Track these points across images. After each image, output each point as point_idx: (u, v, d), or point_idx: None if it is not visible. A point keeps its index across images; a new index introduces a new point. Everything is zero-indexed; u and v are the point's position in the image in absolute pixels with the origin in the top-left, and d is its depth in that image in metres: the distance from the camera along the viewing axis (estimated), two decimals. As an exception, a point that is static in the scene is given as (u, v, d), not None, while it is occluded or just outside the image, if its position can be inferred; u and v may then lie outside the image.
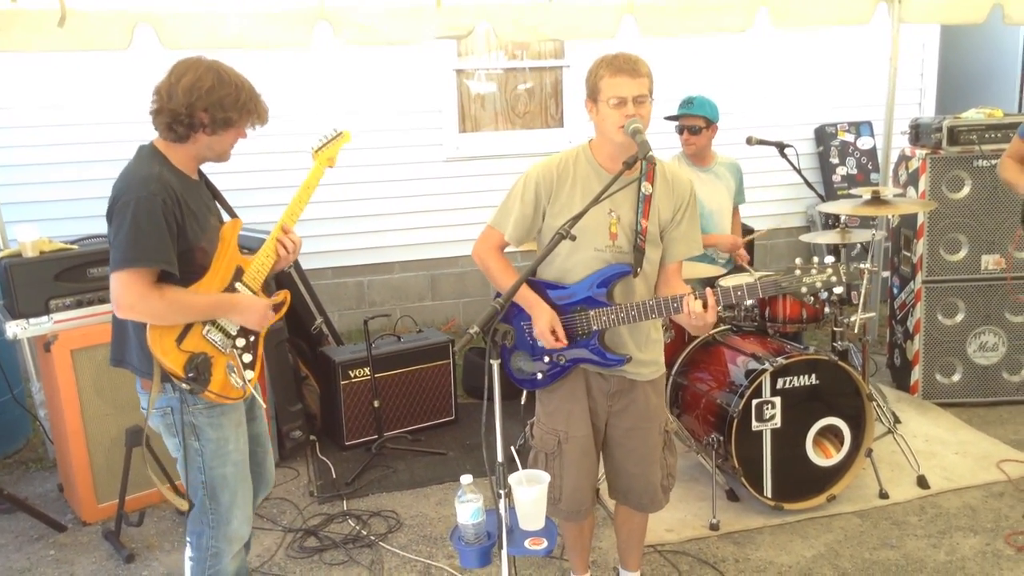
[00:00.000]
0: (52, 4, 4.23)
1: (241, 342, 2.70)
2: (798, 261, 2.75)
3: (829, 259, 2.71)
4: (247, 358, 2.72)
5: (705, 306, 2.66)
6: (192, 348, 2.56)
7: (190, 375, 2.53)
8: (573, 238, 2.44)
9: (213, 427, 2.67)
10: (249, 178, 5.67)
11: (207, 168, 2.77)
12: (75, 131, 5.82)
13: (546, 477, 2.43)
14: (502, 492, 2.32)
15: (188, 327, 2.57)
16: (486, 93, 6.85)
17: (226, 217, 2.81)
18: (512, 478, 2.36)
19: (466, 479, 2.32)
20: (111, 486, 3.95)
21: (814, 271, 2.67)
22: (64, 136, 5.80)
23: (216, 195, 2.80)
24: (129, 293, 2.44)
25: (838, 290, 2.67)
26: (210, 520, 2.76)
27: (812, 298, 2.76)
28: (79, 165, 5.78)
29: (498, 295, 2.88)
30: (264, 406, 3.00)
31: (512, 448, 2.34)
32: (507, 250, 2.95)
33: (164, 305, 2.48)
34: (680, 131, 4.68)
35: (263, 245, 2.77)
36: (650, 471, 3.00)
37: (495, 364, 2.25)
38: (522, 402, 4.24)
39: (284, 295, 2.85)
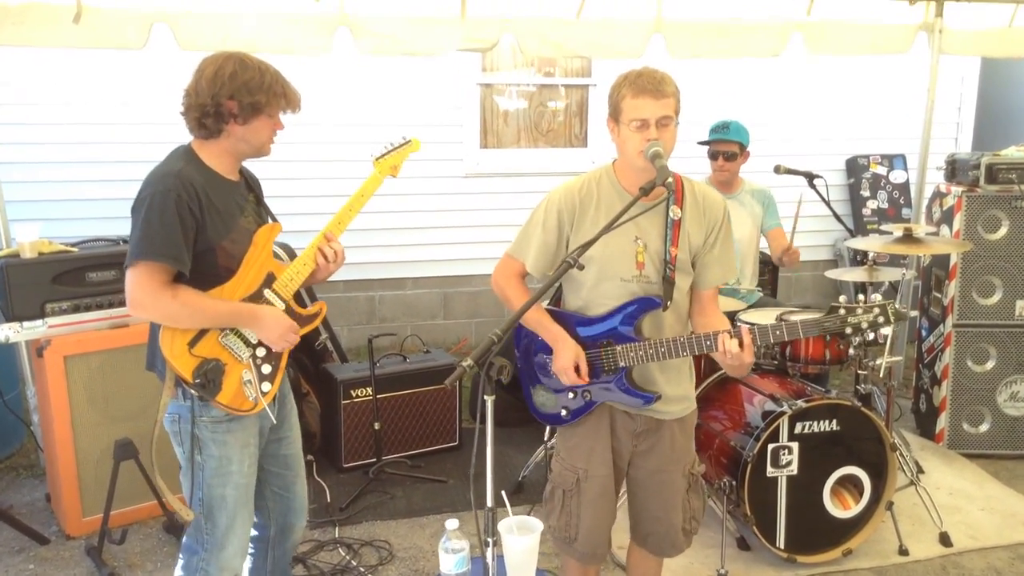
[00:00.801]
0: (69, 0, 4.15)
1: (262, 351, 2.59)
2: (842, 299, 2.63)
3: (875, 296, 2.56)
4: (266, 369, 2.60)
5: (741, 345, 2.50)
6: (205, 353, 2.48)
7: (198, 381, 2.43)
8: (581, 267, 2.28)
9: (216, 443, 2.55)
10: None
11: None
12: (84, 130, 5.71)
13: (539, 525, 2.25)
14: (490, 540, 2.14)
15: (204, 331, 2.48)
16: (509, 109, 6.71)
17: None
18: (502, 525, 2.19)
19: (451, 524, 2.15)
20: (98, 499, 3.80)
21: (860, 311, 2.53)
22: (72, 135, 5.69)
23: (259, 199, 2.71)
24: (139, 289, 2.39)
25: (885, 331, 2.55)
26: (204, 541, 2.63)
27: (858, 338, 2.66)
28: (86, 165, 5.68)
29: (524, 333, 2.77)
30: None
31: (503, 493, 2.16)
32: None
33: (177, 306, 2.41)
34: (714, 156, 4.51)
35: (301, 253, 2.67)
36: (672, 515, 2.82)
37: (489, 400, 2.08)
38: (545, 436, 4.16)
39: (320, 306, 2.76)
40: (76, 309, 3.84)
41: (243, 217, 2.58)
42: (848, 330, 2.54)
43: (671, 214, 2.59)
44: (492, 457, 2.10)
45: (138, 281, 2.38)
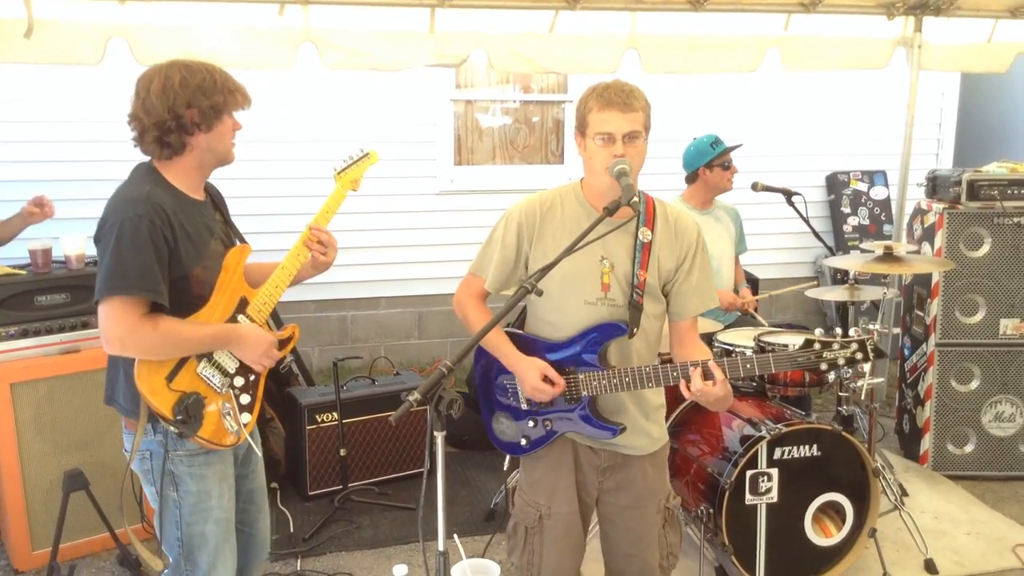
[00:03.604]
0: (20, 13, 4.00)
1: (239, 381, 2.46)
2: (818, 332, 2.47)
3: (854, 331, 2.42)
4: (245, 399, 2.47)
5: (708, 379, 2.33)
6: (184, 387, 2.33)
7: (179, 417, 2.29)
8: (539, 293, 2.14)
9: (194, 478, 2.40)
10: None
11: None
12: (33, 148, 5.55)
13: (495, 568, 2.11)
14: (442, 586, 2.00)
15: (181, 363, 2.34)
16: (484, 126, 6.59)
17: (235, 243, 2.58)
18: (456, 569, 2.05)
19: (400, 571, 2.00)
20: (48, 532, 3.63)
21: (836, 345, 2.37)
22: (21, 152, 5.53)
23: (226, 218, 2.57)
24: (117, 325, 2.23)
25: (866, 367, 2.39)
26: None
27: (834, 373, 2.49)
28: (36, 184, 5.43)
29: (483, 361, 2.65)
30: (260, 457, 2.72)
31: (455, 536, 2.02)
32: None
33: (157, 338, 2.26)
34: (727, 167, 4.38)
35: (271, 275, 2.53)
36: (647, 552, 2.68)
37: (439, 436, 1.94)
38: (505, 467, 4.01)
39: (292, 329, 2.63)
40: (24, 334, 3.68)
41: (213, 240, 2.45)
42: (823, 366, 2.38)
43: (640, 236, 2.46)
44: (443, 496, 1.95)
45: (114, 317, 2.22)
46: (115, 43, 4.15)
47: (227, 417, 2.41)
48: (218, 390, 2.41)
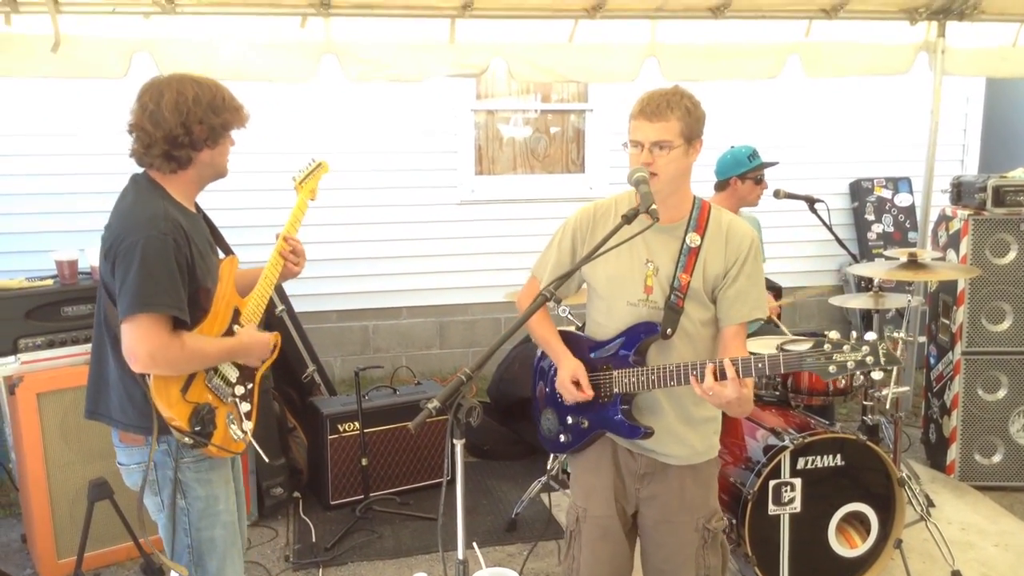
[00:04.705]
0: (47, 29, 4.06)
1: (240, 390, 2.51)
2: (832, 335, 2.36)
3: (870, 335, 2.31)
4: (245, 407, 2.52)
5: (720, 377, 2.28)
6: (196, 398, 2.36)
7: (196, 428, 2.31)
8: (558, 301, 2.15)
9: (201, 483, 2.42)
10: (243, 215, 5.39)
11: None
12: (57, 161, 5.64)
13: (515, 578, 2.10)
14: (462, 596, 2.00)
15: (192, 376, 2.37)
16: (505, 135, 6.60)
17: (221, 254, 2.60)
18: (475, 578, 2.04)
19: (420, 578, 2.00)
20: (74, 540, 3.65)
21: (847, 348, 2.28)
22: (46, 166, 5.62)
23: (212, 228, 2.59)
24: (147, 342, 2.21)
25: (876, 375, 2.31)
26: None
27: (844, 381, 2.41)
28: (60, 197, 5.60)
29: (543, 355, 2.73)
30: (267, 459, 2.81)
31: (474, 544, 2.01)
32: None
33: (185, 355, 2.29)
34: (759, 181, 4.36)
35: (256, 285, 2.58)
36: (680, 571, 2.61)
37: (459, 444, 1.94)
38: (549, 465, 4.16)
39: (275, 337, 2.64)
40: (51, 344, 3.74)
41: (212, 253, 2.50)
42: (832, 368, 2.27)
43: (688, 241, 2.48)
44: (463, 505, 1.95)
45: (145, 335, 2.21)
46: (140, 57, 4.21)
47: (232, 425, 2.46)
48: (224, 400, 2.45)
